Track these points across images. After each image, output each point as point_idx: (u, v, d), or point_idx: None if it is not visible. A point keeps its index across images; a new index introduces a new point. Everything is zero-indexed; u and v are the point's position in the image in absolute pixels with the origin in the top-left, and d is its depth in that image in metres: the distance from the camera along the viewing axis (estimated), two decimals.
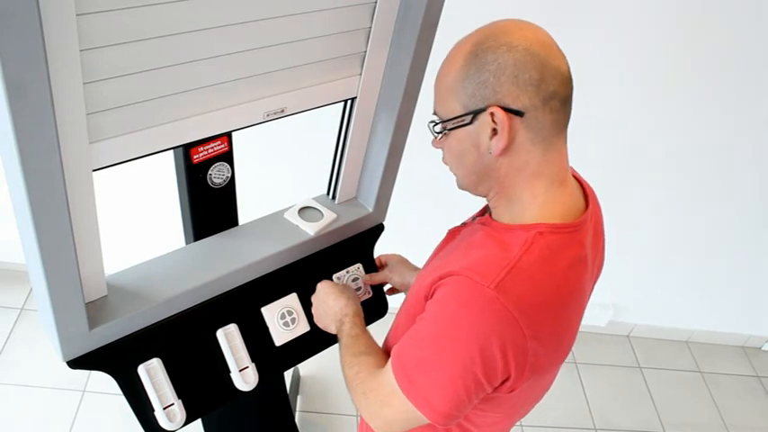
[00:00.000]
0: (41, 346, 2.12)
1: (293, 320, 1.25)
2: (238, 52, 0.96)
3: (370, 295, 1.39)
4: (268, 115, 1.08)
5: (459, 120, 0.83)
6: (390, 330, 1.07)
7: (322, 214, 1.32)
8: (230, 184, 1.20)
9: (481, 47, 0.80)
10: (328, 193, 1.39)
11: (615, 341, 2.67)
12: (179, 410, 1.11)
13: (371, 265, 1.39)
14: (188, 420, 1.13)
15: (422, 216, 2.19)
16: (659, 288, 2.54)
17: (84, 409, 2.01)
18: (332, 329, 1.15)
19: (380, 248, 1.41)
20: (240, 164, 1.19)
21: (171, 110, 0.95)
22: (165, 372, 1.10)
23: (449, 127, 0.85)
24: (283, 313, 1.25)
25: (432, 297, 0.87)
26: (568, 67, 0.81)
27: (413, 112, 1.23)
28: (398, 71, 1.15)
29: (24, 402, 2.00)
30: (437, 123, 0.87)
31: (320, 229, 1.29)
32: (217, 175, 1.16)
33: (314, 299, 1.21)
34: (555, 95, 0.80)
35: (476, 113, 0.81)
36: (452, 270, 0.84)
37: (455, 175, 0.93)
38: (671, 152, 2.05)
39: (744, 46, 1.84)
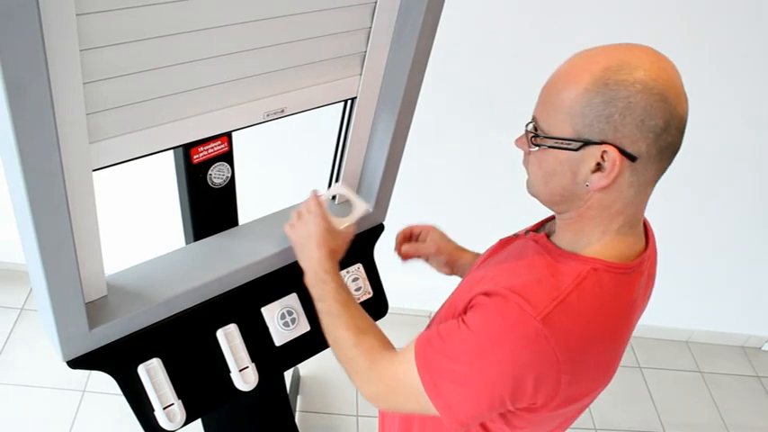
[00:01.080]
0: (41, 346, 2.12)
1: (293, 320, 1.25)
2: (238, 52, 0.96)
3: (371, 295, 1.39)
4: (268, 115, 1.08)
5: (566, 143, 0.78)
6: (435, 320, 1.05)
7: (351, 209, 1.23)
8: (230, 184, 1.20)
9: (614, 77, 0.74)
10: None
11: None
12: (179, 410, 1.11)
13: (371, 266, 1.39)
14: (188, 420, 1.13)
15: (422, 216, 2.20)
16: (659, 288, 2.53)
17: (84, 409, 2.01)
18: (306, 277, 1.08)
19: (380, 248, 1.41)
20: (240, 164, 1.19)
21: (171, 110, 0.95)
22: (165, 372, 1.10)
23: (550, 144, 0.80)
24: (283, 313, 1.25)
25: (473, 308, 0.85)
26: (687, 115, 0.78)
27: (413, 112, 1.23)
28: (398, 71, 1.15)
29: (24, 402, 2.00)
30: (537, 135, 0.81)
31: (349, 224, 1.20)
32: (217, 175, 1.16)
33: (297, 223, 1.11)
34: (671, 146, 0.76)
35: (586, 143, 0.77)
36: (500, 289, 0.82)
37: (533, 183, 0.88)
38: None
39: (745, 46, 1.84)
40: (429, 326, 1.08)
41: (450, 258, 1.26)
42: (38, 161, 0.78)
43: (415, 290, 2.35)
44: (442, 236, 1.29)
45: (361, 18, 1.07)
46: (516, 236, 1.00)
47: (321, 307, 1.05)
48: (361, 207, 1.21)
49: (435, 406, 0.84)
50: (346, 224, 1.17)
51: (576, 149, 0.77)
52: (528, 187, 0.90)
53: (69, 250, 0.90)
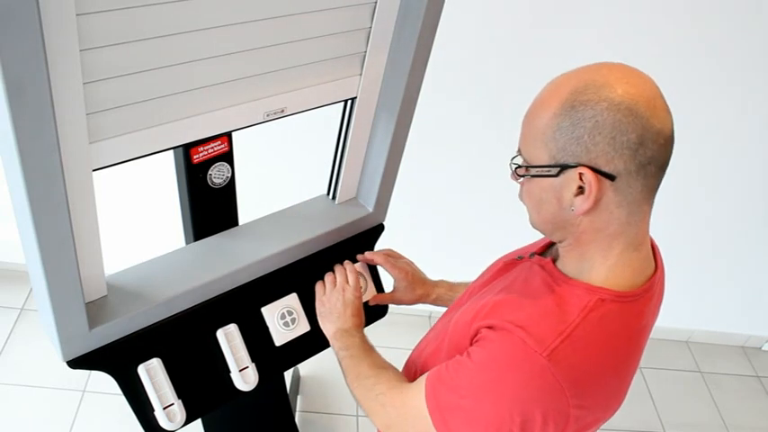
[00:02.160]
0: (41, 346, 2.12)
1: (293, 320, 1.25)
2: (238, 52, 0.96)
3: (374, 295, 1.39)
4: (268, 115, 1.08)
5: (545, 170, 0.78)
6: (427, 341, 1.06)
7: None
8: (230, 184, 1.20)
9: (580, 98, 0.74)
10: (328, 193, 1.39)
11: None
12: (179, 410, 1.11)
13: (372, 266, 1.39)
14: (188, 420, 1.13)
15: (422, 216, 2.20)
16: None
17: (84, 409, 2.01)
18: (329, 331, 1.18)
19: (380, 249, 1.41)
20: (240, 164, 1.19)
21: (171, 110, 0.95)
22: (165, 372, 1.10)
23: (532, 173, 0.80)
24: (283, 313, 1.25)
25: (478, 342, 0.85)
26: (672, 128, 0.76)
27: (413, 112, 1.23)
28: (398, 71, 1.15)
29: (24, 402, 2.00)
30: (520, 166, 0.82)
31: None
32: (217, 175, 1.16)
33: (324, 296, 1.23)
34: (652, 161, 0.74)
35: (563, 168, 0.76)
36: (505, 323, 0.81)
37: (529, 214, 0.88)
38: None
39: (745, 45, 1.84)
40: (427, 336, 1.08)
41: (420, 287, 1.30)
42: (38, 161, 0.78)
43: None
44: (411, 282, 1.31)
45: (361, 18, 1.07)
46: (521, 258, 0.98)
47: (345, 353, 1.12)
48: (371, 291, 1.36)
49: None
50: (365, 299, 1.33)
51: (556, 175, 0.77)
52: (530, 222, 0.89)
53: (69, 250, 0.90)
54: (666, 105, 0.76)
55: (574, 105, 0.74)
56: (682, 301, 2.59)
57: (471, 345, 0.86)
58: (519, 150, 0.83)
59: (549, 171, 0.78)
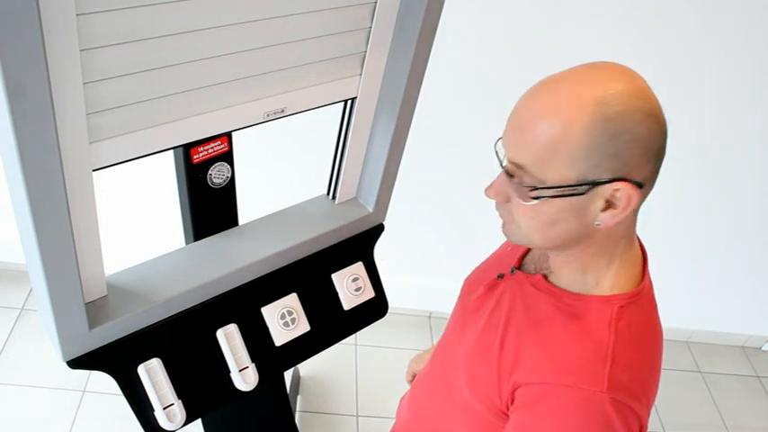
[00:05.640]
0: (41, 346, 2.12)
1: (293, 320, 1.25)
2: (238, 52, 0.96)
3: (373, 295, 1.38)
4: (268, 115, 1.08)
5: (570, 189, 0.71)
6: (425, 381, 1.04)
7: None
8: (230, 184, 1.20)
9: (609, 109, 0.67)
10: (328, 193, 1.39)
11: None
12: (179, 410, 1.11)
13: (371, 265, 1.39)
14: (188, 420, 1.13)
15: (422, 216, 2.20)
16: (659, 288, 2.53)
17: (84, 409, 2.01)
18: None
19: (380, 248, 1.42)
20: (240, 164, 1.19)
21: (171, 110, 0.95)
22: (165, 372, 1.10)
23: (550, 194, 0.72)
24: (283, 313, 1.25)
25: (529, 411, 0.78)
26: None
27: (413, 112, 1.23)
28: (398, 71, 1.15)
29: (24, 402, 2.00)
30: (536, 188, 0.72)
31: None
32: (217, 175, 1.16)
33: None
34: (662, 160, 0.73)
35: (593, 185, 0.70)
36: (545, 377, 0.77)
37: (524, 233, 0.79)
38: (671, 153, 2.05)
39: (745, 45, 1.84)
40: (429, 366, 1.06)
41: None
42: (38, 161, 0.78)
43: (415, 290, 2.35)
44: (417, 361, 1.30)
45: (361, 18, 1.07)
46: (502, 277, 0.93)
47: None
48: (369, 291, 1.35)
49: None
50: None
51: (584, 193, 0.71)
52: (511, 236, 0.82)
53: (69, 250, 0.90)
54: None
55: (607, 119, 0.68)
56: (682, 301, 2.59)
57: (516, 406, 0.81)
58: (519, 165, 0.73)
59: (575, 190, 0.71)
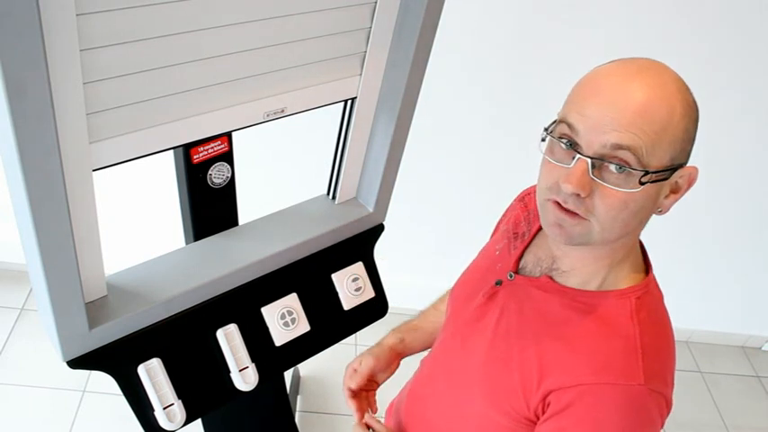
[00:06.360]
0: (41, 346, 2.12)
1: (293, 320, 1.25)
2: (238, 52, 0.96)
3: (373, 295, 1.38)
4: (268, 115, 1.08)
5: (663, 174, 0.71)
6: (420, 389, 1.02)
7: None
8: (230, 184, 1.20)
9: (690, 96, 0.72)
10: (328, 193, 1.39)
11: None
12: (179, 410, 1.11)
13: (371, 265, 1.39)
14: (188, 420, 1.13)
15: (422, 216, 2.20)
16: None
17: (84, 409, 2.01)
18: None
19: (380, 248, 1.42)
20: (240, 164, 1.19)
21: (171, 110, 0.95)
22: (165, 372, 1.10)
23: (653, 179, 0.71)
24: (283, 313, 1.25)
25: (569, 414, 0.77)
26: None
27: (413, 112, 1.23)
28: (398, 71, 1.15)
29: (24, 402, 2.00)
30: (648, 172, 0.70)
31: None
32: (217, 175, 1.16)
33: None
34: None
35: (675, 169, 0.73)
36: (584, 383, 0.76)
37: (606, 228, 0.74)
38: None
39: (746, 45, 1.84)
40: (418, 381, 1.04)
41: (393, 360, 1.16)
42: (38, 161, 0.78)
43: (415, 290, 2.34)
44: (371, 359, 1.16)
45: (361, 18, 1.07)
46: (500, 284, 0.90)
47: None
48: (369, 291, 1.35)
49: None
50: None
51: (668, 178, 0.73)
52: (573, 237, 0.75)
53: (69, 250, 0.90)
54: None
55: (690, 105, 0.72)
56: (682, 301, 2.58)
57: (551, 412, 0.79)
58: (632, 148, 0.69)
59: (664, 175, 0.72)
